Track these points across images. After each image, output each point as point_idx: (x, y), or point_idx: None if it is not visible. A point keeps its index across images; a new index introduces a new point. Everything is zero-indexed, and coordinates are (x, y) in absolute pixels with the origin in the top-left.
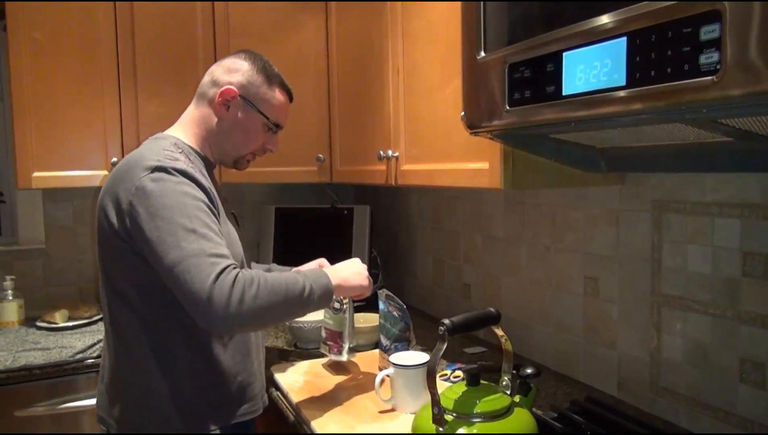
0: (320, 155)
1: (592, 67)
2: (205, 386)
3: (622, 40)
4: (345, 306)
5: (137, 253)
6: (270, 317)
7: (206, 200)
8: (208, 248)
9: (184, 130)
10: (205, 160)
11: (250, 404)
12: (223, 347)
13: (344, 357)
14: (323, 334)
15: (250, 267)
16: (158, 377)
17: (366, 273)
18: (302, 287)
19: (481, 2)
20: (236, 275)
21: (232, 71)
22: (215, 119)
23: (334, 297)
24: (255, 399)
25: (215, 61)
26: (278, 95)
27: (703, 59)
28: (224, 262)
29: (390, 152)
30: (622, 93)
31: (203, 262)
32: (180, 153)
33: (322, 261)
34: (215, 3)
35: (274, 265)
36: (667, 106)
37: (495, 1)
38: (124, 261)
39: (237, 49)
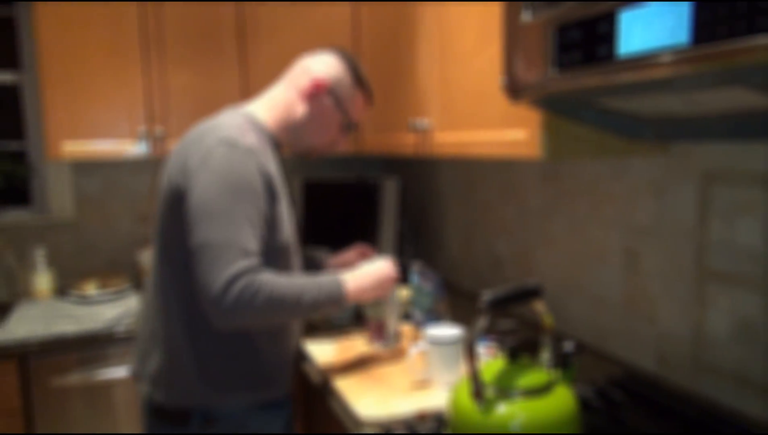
0: None
1: (651, 25)
2: (230, 363)
3: None
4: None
5: None
6: (269, 323)
7: (259, 187)
8: (237, 241)
9: (264, 109)
10: (274, 141)
11: (274, 388)
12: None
13: (390, 346)
14: (365, 322)
15: (298, 249)
16: (187, 344)
17: (390, 280)
18: (311, 300)
19: None
20: (249, 281)
21: (326, 64)
22: (299, 106)
23: None
24: (279, 384)
25: (244, 31)
26: (361, 97)
27: None
28: (245, 263)
29: (421, 120)
30: (684, 52)
31: (225, 256)
32: (251, 130)
33: (363, 248)
34: None
35: (315, 253)
36: (734, 65)
37: None
38: (177, 221)
39: (330, 47)
